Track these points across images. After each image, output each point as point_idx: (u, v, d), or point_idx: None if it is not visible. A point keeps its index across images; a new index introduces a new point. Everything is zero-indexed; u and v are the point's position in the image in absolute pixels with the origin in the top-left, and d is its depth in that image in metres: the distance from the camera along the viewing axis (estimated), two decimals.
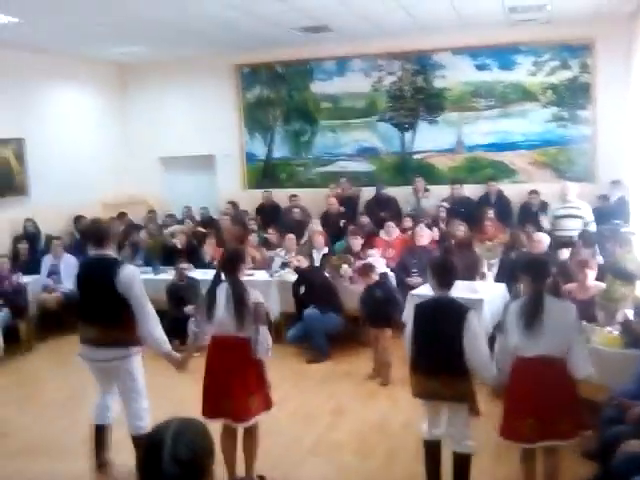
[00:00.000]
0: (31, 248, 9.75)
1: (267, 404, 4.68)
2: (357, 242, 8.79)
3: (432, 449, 4.51)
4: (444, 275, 4.39)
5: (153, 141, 12.73)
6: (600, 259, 7.51)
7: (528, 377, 4.10)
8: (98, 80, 12.42)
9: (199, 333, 4.89)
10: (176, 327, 7.70)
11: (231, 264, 4.66)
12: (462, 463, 4.39)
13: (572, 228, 8.81)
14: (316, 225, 9.94)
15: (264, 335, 4.56)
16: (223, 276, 4.67)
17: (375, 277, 7.32)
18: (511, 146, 10.93)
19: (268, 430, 5.04)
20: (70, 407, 6.54)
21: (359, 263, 8.01)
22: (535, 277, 4.20)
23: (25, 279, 8.66)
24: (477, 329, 4.22)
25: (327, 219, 10.64)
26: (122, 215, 11.37)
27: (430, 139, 11.36)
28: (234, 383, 4.51)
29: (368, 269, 7.32)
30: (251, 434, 4.71)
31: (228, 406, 4.54)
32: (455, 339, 4.15)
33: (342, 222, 10.33)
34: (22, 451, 5.66)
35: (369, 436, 5.69)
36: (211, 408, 4.57)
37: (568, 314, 4.17)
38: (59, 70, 11.42)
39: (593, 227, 8.79)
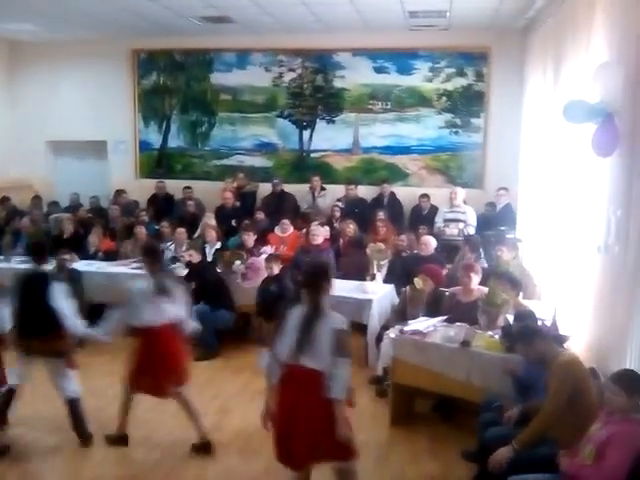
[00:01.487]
0: None
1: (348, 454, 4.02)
2: (250, 238, 8.71)
3: None
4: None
5: (42, 124, 12.14)
6: (484, 264, 7.77)
7: None
8: None
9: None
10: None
11: (315, 280, 4.02)
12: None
13: (457, 232, 9.15)
14: (210, 219, 9.79)
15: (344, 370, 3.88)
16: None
17: (276, 269, 7.29)
18: (405, 150, 11.14)
19: (152, 429, 4.92)
20: None
21: (251, 259, 7.97)
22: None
23: None
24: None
25: (222, 214, 10.48)
26: (4, 199, 10.79)
27: (328, 138, 11.40)
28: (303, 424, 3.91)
29: (273, 259, 7.32)
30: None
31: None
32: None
33: (234, 220, 10.17)
34: None
35: (254, 436, 5.61)
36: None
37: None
38: None
39: (472, 231, 9.13)
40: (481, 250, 8.18)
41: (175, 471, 5.08)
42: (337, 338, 3.83)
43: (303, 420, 3.86)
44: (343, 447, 3.91)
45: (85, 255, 8.77)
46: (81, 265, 8.22)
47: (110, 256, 8.92)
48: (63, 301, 5.17)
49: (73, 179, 12.07)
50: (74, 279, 7.68)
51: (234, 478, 5.00)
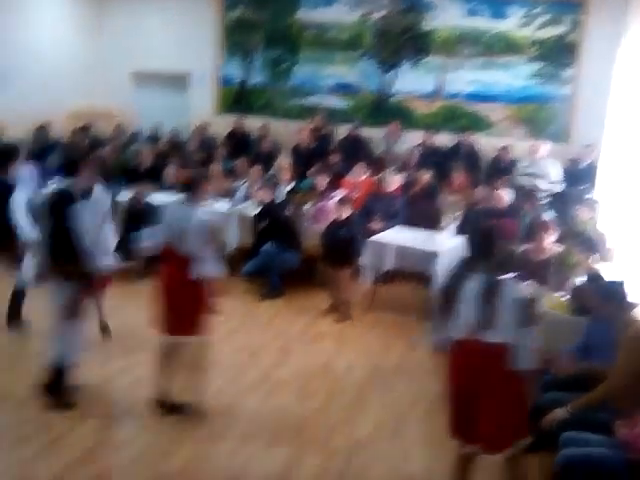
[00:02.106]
0: None
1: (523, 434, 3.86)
2: (323, 181, 8.66)
3: None
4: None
5: (127, 55, 12.29)
6: (562, 222, 7.52)
7: None
8: None
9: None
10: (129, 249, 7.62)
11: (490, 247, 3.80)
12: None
13: (538, 187, 8.83)
14: (284, 159, 9.76)
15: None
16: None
17: (346, 214, 7.29)
18: (490, 98, 10.75)
19: (212, 362, 5.05)
20: None
21: (322, 203, 7.95)
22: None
23: None
24: None
25: (297, 154, 10.45)
26: (85, 128, 11.04)
27: (411, 82, 11.11)
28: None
29: (344, 203, 7.30)
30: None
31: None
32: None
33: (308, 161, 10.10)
34: None
35: (312, 378, 5.71)
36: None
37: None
38: None
39: (558, 188, 8.79)
40: (552, 208, 7.91)
41: (235, 403, 5.23)
42: (521, 308, 3.67)
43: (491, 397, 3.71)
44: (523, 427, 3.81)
45: (162, 187, 8.92)
46: (157, 197, 8.36)
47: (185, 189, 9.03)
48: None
49: (154, 111, 12.21)
50: (149, 211, 7.85)
51: (287, 415, 5.10)
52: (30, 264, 5.59)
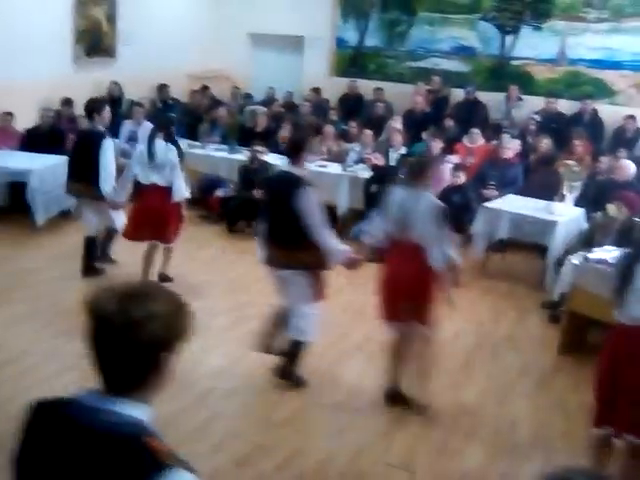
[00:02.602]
0: (113, 111, 9.80)
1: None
2: (436, 145, 8.50)
3: None
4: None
5: (244, 16, 12.39)
6: None
7: None
8: None
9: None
10: (244, 208, 7.81)
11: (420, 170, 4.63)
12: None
13: None
14: (397, 122, 9.63)
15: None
16: None
17: (461, 179, 7.15)
18: (616, 65, 10.19)
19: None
20: None
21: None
22: None
23: None
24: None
25: (410, 118, 10.30)
26: (205, 89, 11.31)
27: (531, 46, 10.69)
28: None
29: (460, 169, 7.18)
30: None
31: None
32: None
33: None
34: None
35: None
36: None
37: None
38: None
39: None
40: None
41: (335, 362, 5.31)
42: (437, 214, 4.28)
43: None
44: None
45: (275, 149, 9.03)
46: (271, 158, 8.48)
47: None
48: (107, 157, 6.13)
49: (269, 73, 12.32)
50: (264, 171, 7.98)
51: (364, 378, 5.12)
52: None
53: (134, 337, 1.48)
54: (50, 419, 1.57)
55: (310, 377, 4.99)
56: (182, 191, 6.14)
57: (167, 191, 6.07)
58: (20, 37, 8.91)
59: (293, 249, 4.56)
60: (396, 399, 4.74)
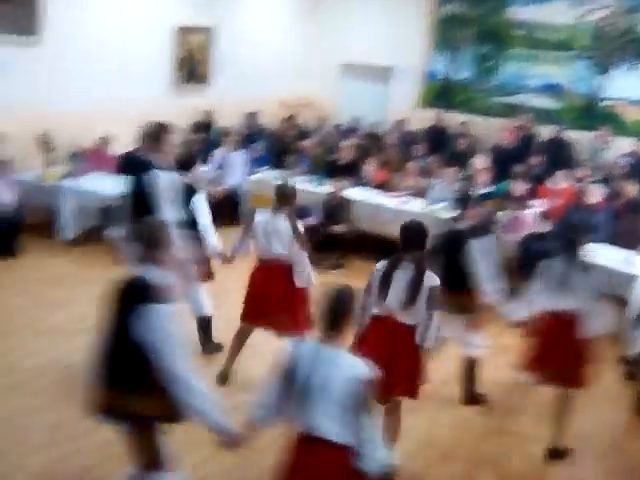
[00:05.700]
0: (204, 139, 10.18)
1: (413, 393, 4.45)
2: (520, 186, 8.44)
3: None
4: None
5: (337, 46, 12.56)
6: None
7: None
8: None
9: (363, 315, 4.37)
10: (325, 242, 7.98)
11: (418, 241, 4.29)
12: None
13: None
14: (481, 160, 9.58)
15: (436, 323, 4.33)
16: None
17: (545, 227, 7.13)
18: None
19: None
20: None
21: (518, 213, 7.78)
22: None
23: None
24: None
25: (496, 153, 10.22)
26: (292, 117, 11.54)
27: (624, 87, 10.48)
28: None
29: (543, 216, 7.16)
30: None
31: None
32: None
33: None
34: None
35: (503, 392, 5.68)
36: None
37: None
38: None
39: None
40: None
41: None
42: (433, 295, 4.19)
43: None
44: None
45: (358, 182, 9.15)
46: (353, 192, 8.61)
47: (381, 186, 9.22)
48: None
49: (355, 102, 12.45)
50: (344, 205, 8.13)
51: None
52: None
53: None
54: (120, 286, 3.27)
55: None
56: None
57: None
58: (123, 61, 9.41)
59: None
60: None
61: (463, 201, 5.65)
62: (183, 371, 3.15)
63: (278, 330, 5.29)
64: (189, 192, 5.55)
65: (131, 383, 3.24)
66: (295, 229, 5.22)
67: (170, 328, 3.18)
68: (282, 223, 5.22)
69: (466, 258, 5.09)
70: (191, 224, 5.46)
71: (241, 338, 5.50)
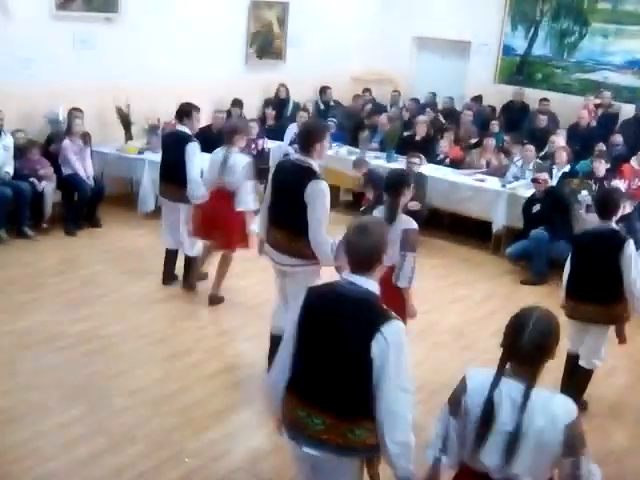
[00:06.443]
0: (278, 114, 10.21)
1: None
2: (601, 167, 8.13)
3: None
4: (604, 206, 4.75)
5: (411, 19, 12.33)
6: None
7: None
8: None
9: None
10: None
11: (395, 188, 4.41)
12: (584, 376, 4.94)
13: None
14: (561, 138, 9.31)
15: (410, 263, 4.37)
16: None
17: (627, 208, 6.88)
18: None
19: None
20: None
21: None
22: None
23: (269, 144, 9.15)
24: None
25: (575, 132, 9.94)
26: (366, 91, 11.44)
27: None
28: None
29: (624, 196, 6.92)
30: None
31: None
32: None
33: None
34: None
35: None
36: None
37: None
38: None
39: None
40: None
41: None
42: (406, 236, 4.32)
43: None
44: None
45: (433, 159, 9.02)
46: (428, 169, 8.50)
47: (456, 164, 9.08)
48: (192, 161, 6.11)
49: (432, 78, 12.26)
50: (419, 183, 8.01)
51: None
52: None
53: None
54: (320, 294, 2.81)
55: None
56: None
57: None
58: (198, 38, 9.48)
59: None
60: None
61: (608, 200, 4.86)
62: (404, 404, 2.70)
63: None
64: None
65: (353, 411, 2.73)
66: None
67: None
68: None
69: (621, 262, 4.62)
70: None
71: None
